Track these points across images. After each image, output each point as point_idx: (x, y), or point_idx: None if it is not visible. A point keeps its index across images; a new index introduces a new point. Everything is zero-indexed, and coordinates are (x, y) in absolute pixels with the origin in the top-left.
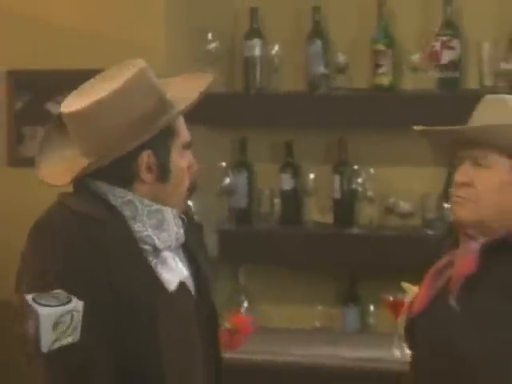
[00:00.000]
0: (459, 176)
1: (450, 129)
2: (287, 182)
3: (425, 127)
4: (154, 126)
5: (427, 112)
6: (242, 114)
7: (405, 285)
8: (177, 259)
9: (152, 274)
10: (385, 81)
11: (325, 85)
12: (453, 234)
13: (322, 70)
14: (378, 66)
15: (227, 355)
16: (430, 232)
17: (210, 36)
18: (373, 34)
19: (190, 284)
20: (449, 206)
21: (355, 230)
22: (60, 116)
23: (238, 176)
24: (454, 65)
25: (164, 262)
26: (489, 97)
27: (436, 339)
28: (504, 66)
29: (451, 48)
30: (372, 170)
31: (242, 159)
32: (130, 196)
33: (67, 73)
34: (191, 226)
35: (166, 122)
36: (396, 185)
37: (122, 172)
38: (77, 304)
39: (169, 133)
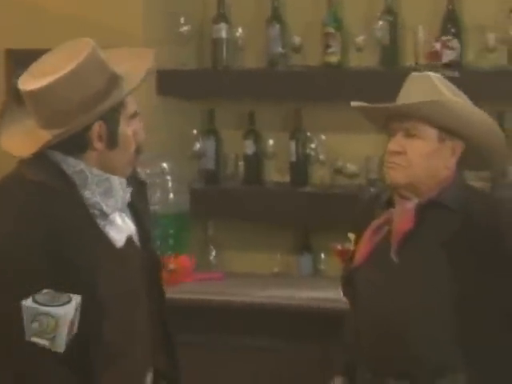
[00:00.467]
0: (393, 145)
1: (385, 106)
2: (250, 147)
3: (362, 104)
4: (107, 102)
5: (370, 86)
6: (210, 88)
7: (351, 235)
8: (124, 217)
9: (99, 233)
10: (334, 59)
11: (282, 62)
12: (388, 194)
13: (279, 49)
14: (328, 46)
15: (195, 296)
16: (372, 190)
17: (182, 20)
18: (324, 19)
19: (136, 237)
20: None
21: (308, 189)
22: (18, 90)
23: (207, 142)
24: (394, 44)
25: (112, 223)
26: (415, 74)
27: (375, 288)
28: (436, 47)
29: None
30: (323, 137)
31: (210, 127)
32: (81, 166)
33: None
34: (137, 184)
35: (118, 98)
36: (343, 149)
37: (76, 141)
38: (66, 311)
39: (118, 105)
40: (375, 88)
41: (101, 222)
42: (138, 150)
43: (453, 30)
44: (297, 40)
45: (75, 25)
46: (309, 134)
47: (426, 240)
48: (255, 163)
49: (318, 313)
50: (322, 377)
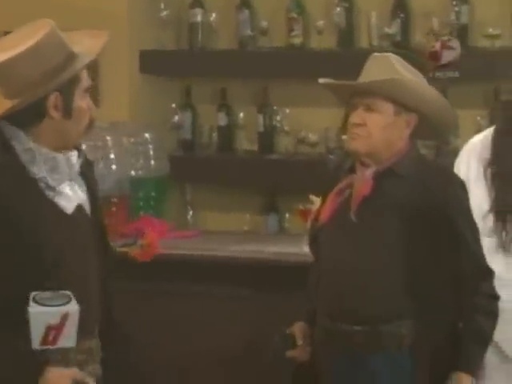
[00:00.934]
0: (354, 118)
1: (350, 83)
2: (222, 119)
3: (329, 81)
4: (63, 76)
5: (329, 65)
6: (187, 67)
7: (312, 197)
8: (74, 186)
9: (49, 202)
10: (297, 41)
11: (251, 44)
12: (350, 161)
13: (249, 32)
14: (291, 29)
15: (175, 252)
16: (331, 157)
17: (162, 6)
18: (288, 5)
19: (87, 206)
20: (345, 137)
21: (275, 156)
22: None
23: (185, 115)
24: (350, 28)
25: (61, 193)
26: (375, 55)
27: (336, 244)
28: (387, 30)
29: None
30: (287, 110)
31: (187, 102)
32: (30, 145)
33: None
34: (86, 160)
35: (72, 72)
36: (306, 121)
37: (35, 110)
38: (73, 307)
39: (73, 79)
40: (333, 66)
41: (49, 193)
42: (90, 124)
43: (401, 16)
44: (264, 24)
45: (64, 8)
46: (275, 107)
47: (381, 203)
48: (227, 133)
49: (283, 266)
50: (285, 322)
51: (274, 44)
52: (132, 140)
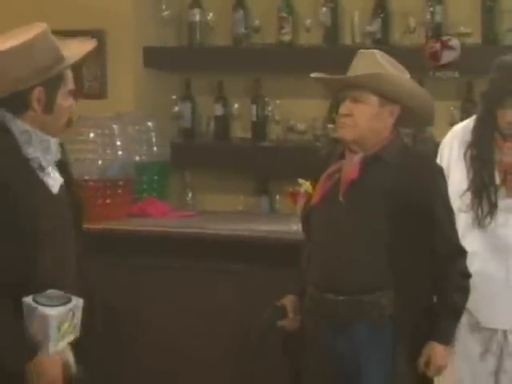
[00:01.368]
0: (343, 109)
1: (339, 77)
2: (219, 110)
3: (320, 75)
4: (49, 73)
5: (316, 60)
6: (187, 62)
7: (301, 181)
8: (54, 169)
9: (40, 181)
10: (286, 38)
11: (245, 41)
12: (341, 148)
13: (243, 30)
14: (282, 27)
15: (175, 229)
16: (318, 144)
17: (164, 6)
18: (279, 5)
19: (64, 186)
20: (331, 126)
21: (266, 143)
22: None
23: (185, 105)
24: (335, 26)
25: (49, 174)
26: (362, 51)
27: (326, 223)
28: (368, 28)
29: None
30: (278, 101)
31: (187, 93)
32: (27, 127)
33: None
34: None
35: (57, 71)
36: (294, 111)
37: (19, 100)
38: (77, 302)
39: (59, 79)
40: (320, 61)
41: (40, 173)
42: (68, 123)
43: (382, 15)
44: (257, 22)
45: (74, 8)
46: (266, 99)
47: (368, 187)
48: (223, 123)
49: (274, 243)
50: (277, 296)
51: (265, 41)
52: (136, 128)
